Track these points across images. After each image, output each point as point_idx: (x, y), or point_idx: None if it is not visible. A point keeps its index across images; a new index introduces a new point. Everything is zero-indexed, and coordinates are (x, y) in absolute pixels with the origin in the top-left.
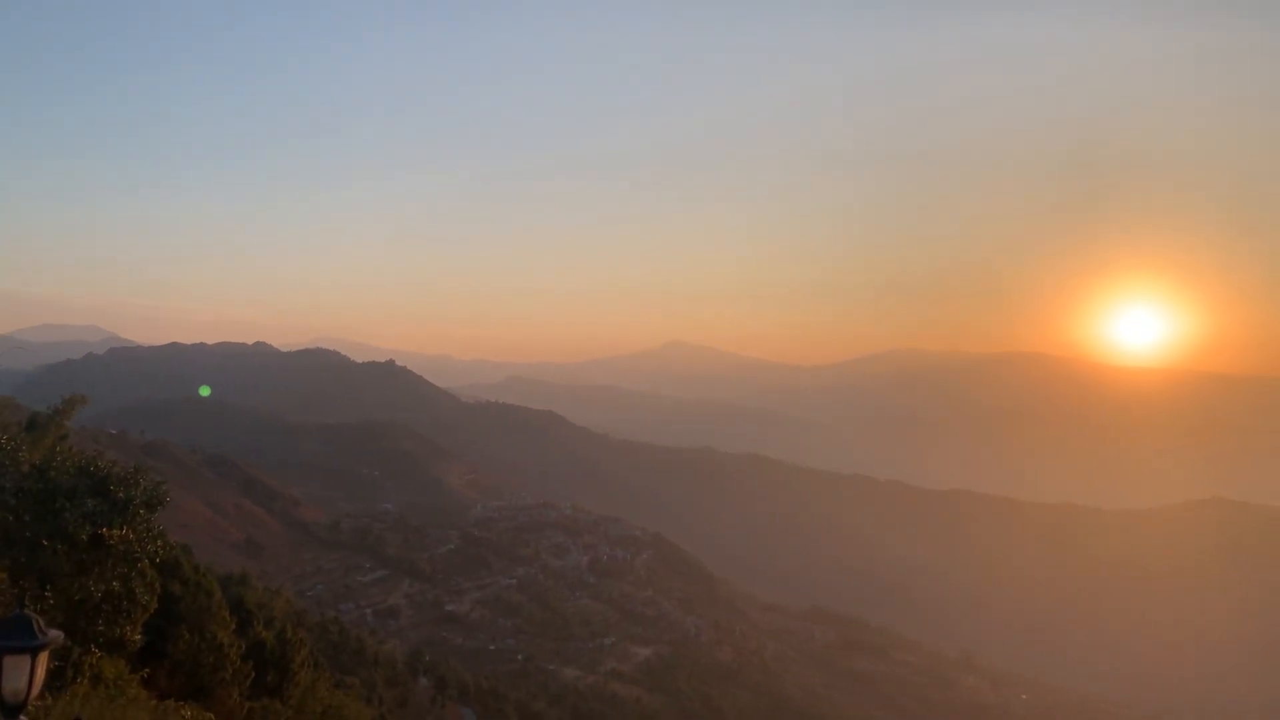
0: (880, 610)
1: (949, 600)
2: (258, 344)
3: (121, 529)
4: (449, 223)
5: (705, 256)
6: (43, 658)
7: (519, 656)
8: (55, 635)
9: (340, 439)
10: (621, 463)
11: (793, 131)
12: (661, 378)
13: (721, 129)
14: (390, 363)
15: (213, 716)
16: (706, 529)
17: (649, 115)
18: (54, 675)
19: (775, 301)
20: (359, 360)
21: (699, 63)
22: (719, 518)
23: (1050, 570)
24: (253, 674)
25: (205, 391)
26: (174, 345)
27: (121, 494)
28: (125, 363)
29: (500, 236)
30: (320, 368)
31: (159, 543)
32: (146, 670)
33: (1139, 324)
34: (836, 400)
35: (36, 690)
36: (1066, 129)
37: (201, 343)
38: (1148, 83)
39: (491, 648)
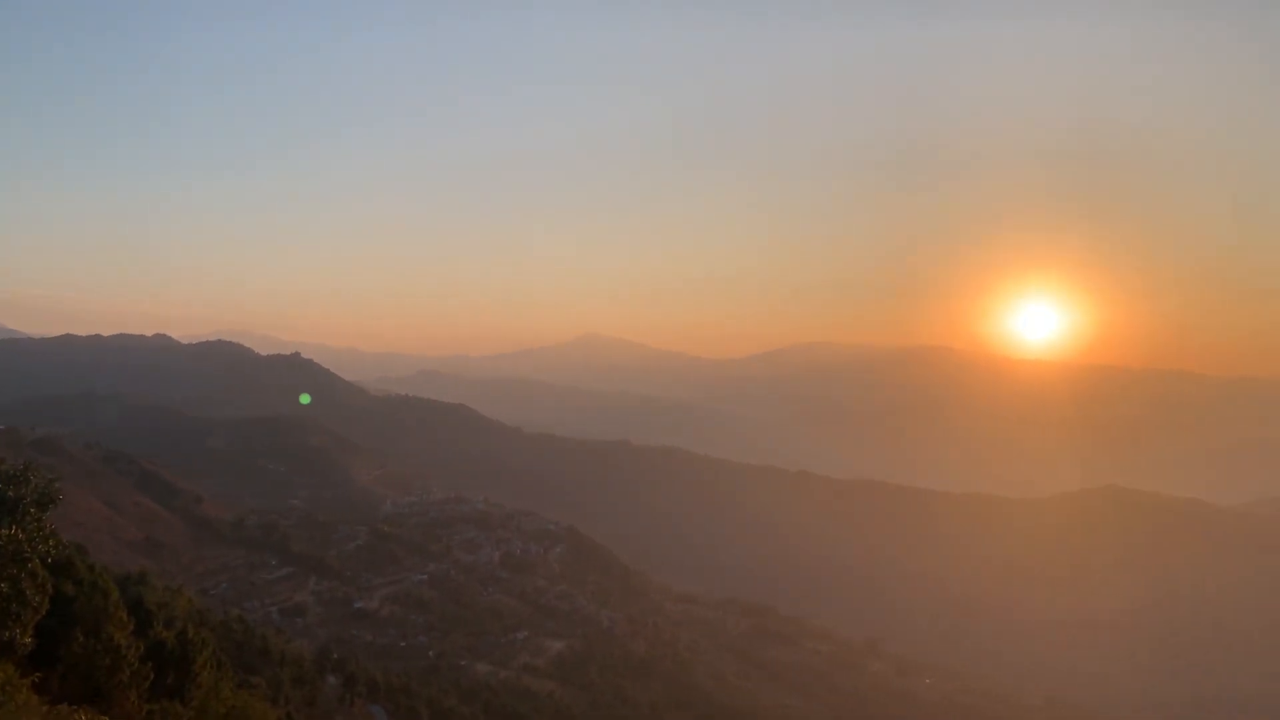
0: (792, 599)
1: (858, 588)
2: (157, 336)
3: (10, 528)
4: (355, 213)
5: (621, 249)
6: None
7: (430, 653)
8: None
9: (244, 434)
10: (535, 456)
11: (707, 129)
12: (576, 371)
13: (636, 125)
14: (295, 355)
15: None
16: (621, 521)
17: (565, 111)
18: None
19: (690, 295)
20: (263, 353)
21: (609, 60)
22: (634, 510)
23: (956, 558)
24: (152, 676)
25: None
26: (68, 337)
27: (10, 492)
28: (14, 356)
29: (410, 228)
30: (223, 361)
31: (51, 542)
32: (38, 674)
33: (1038, 319)
34: (750, 393)
35: None
36: (970, 131)
37: (97, 334)
38: (1043, 82)
39: (402, 644)
